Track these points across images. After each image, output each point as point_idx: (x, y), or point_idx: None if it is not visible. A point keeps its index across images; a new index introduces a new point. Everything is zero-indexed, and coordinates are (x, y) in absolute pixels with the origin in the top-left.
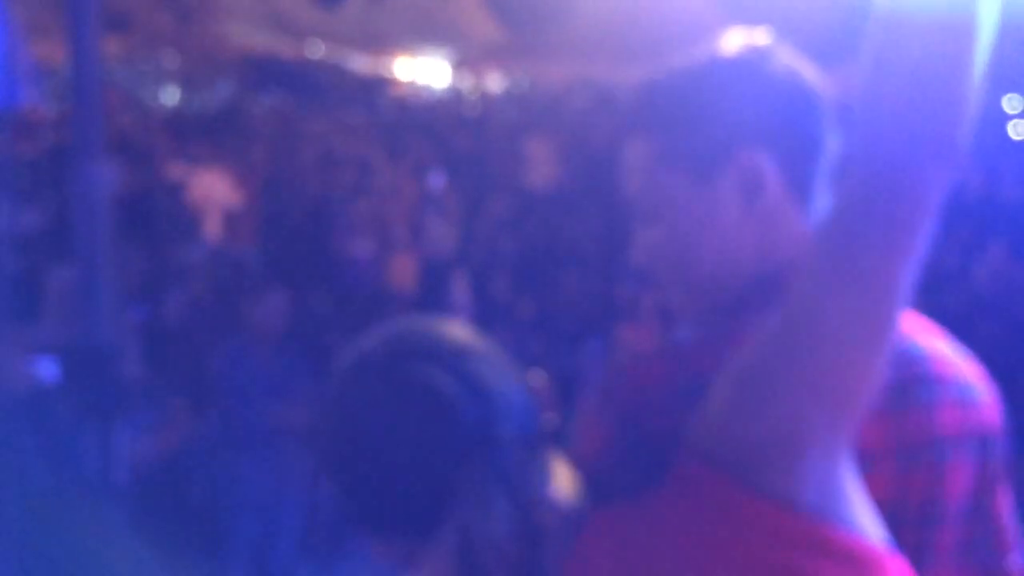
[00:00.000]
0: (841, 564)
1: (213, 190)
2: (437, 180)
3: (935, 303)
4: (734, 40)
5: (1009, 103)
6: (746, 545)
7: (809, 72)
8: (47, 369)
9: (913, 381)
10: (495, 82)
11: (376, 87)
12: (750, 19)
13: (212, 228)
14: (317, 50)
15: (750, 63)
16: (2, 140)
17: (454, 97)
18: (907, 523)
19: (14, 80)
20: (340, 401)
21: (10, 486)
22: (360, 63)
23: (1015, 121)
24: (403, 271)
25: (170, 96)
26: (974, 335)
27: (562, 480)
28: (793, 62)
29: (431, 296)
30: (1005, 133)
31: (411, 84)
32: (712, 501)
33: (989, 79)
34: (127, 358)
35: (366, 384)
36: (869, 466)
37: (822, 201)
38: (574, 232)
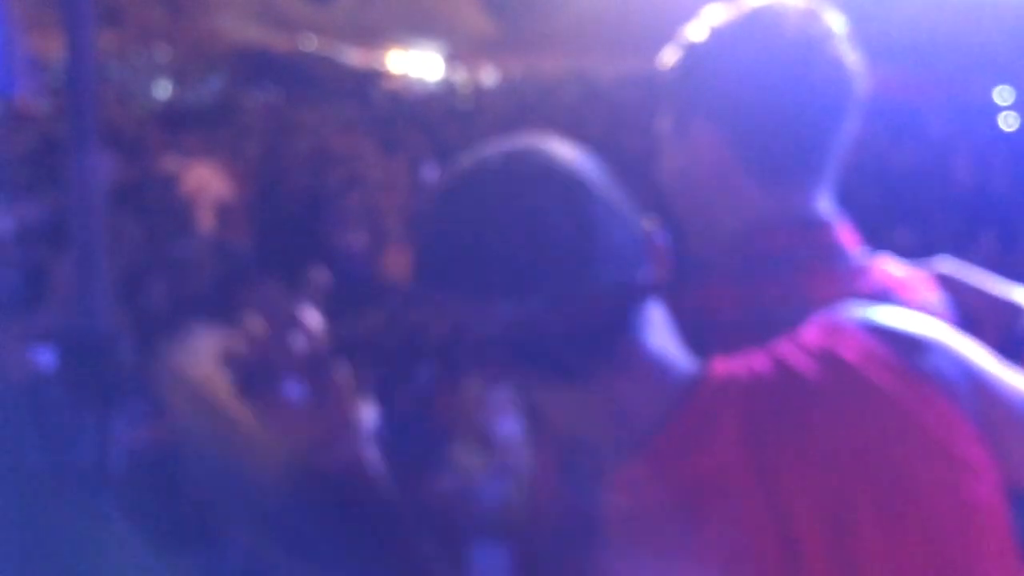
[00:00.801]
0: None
1: (206, 183)
2: (431, 172)
3: None
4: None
5: (1000, 95)
6: (920, 427)
7: (829, 45)
8: (45, 356)
9: None
10: (487, 75)
11: (369, 80)
12: None
13: (205, 220)
14: (309, 43)
15: (740, 32)
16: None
17: (447, 90)
18: None
19: (11, 71)
20: (444, 203)
21: (7, 472)
22: (353, 56)
23: (1006, 113)
24: (397, 263)
25: (162, 90)
26: None
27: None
28: (810, 31)
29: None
30: (996, 125)
31: (404, 77)
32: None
33: (980, 71)
34: (124, 347)
35: (473, 190)
36: None
37: (816, 178)
38: None
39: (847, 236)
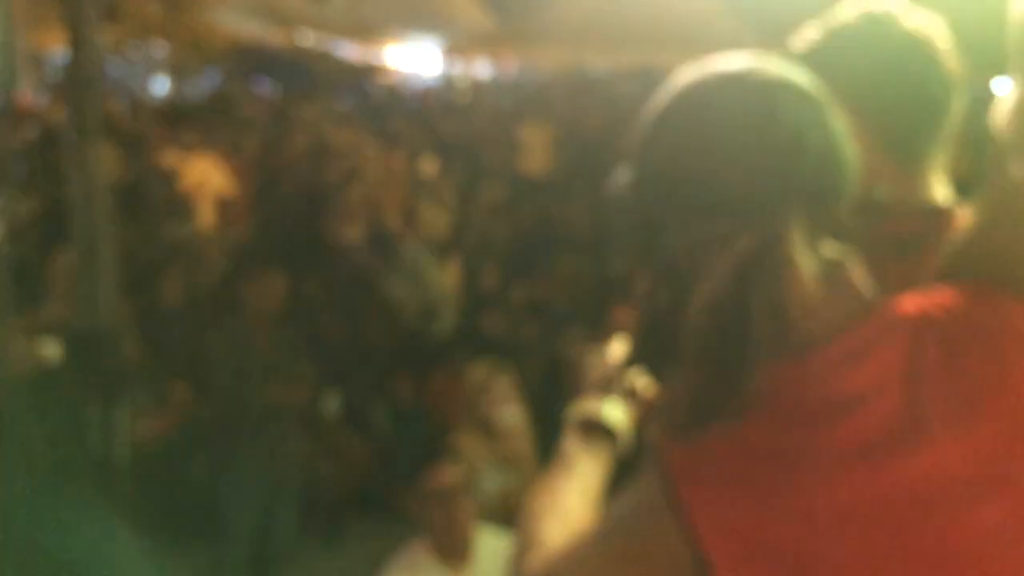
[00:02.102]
0: None
1: (206, 177)
2: (429, 166)
3: None
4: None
5: (997, 86)
6: None
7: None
8: (50, 350)
9: None
10: (485, 69)
11: (366, 74)
12: (737, 5)
13: (205, 215)
14: (307, 39)
15: (861, 31)
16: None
17: (445, 83)
18: None
19: (11, 67)
20: (681, 116)
21: (13, 463)
22: (350, 51)
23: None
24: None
25: (160, 85)
26: None
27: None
28: (918, 33)
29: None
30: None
31: (401, 71)
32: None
33: (978, 61)
34: (127, 340)
35: (712, 90)
36: None
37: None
38: (566, 216)
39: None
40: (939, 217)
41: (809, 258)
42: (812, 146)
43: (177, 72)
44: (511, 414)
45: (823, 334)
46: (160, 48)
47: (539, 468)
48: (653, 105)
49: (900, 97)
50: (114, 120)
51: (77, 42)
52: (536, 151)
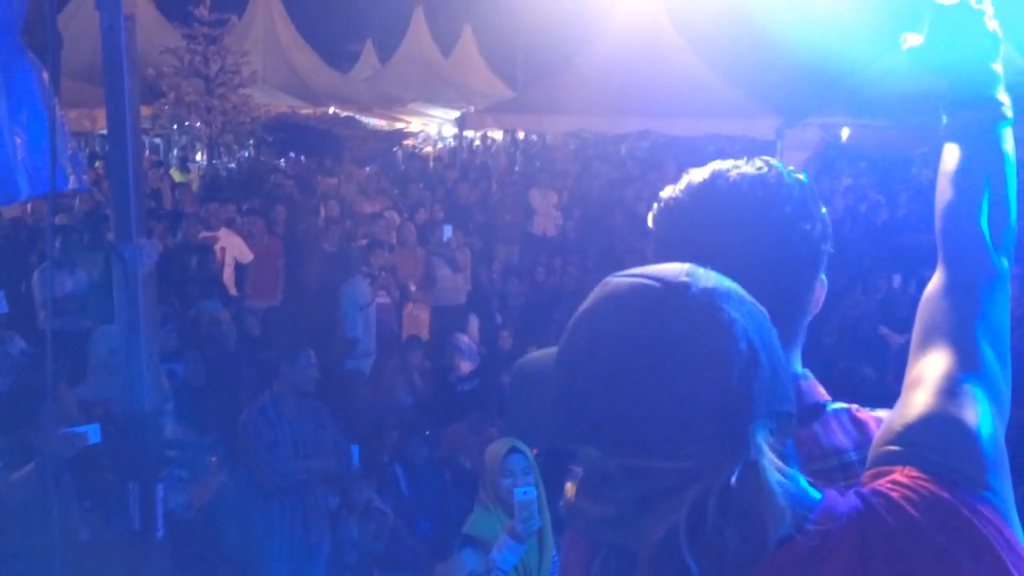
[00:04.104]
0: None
1: (226, 244)
2: (446, 232)
3: None
4: None
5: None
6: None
7: (790, 212)
8: (92, 434)
9: None
10: (499, 136)
11: (390, 139)
12: (736, 78)
13: (228, 283)
14: (335, 111)
15: (705, 195)
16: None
17: (462, 151)
18: None
19: (58, 168)
20: (590, 347)
21: (58, 541)
22: (375, 120)
23: None
24: (416, 319)
25: (198, 158)
26: None
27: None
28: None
29: (443, 341)
30: None
31: (422, 137)
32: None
33: None
34: (165, 421)
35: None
36: None
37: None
38: (576, 274)
39: (816, 388)
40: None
41: (775, 471)
42: (763, 360)
43: (213, 145)
44: (528, 491)
45: (775, 538)
46: (197, 123)
47: (555, 542)
48: (586, 321)
49: (756, 275)
50: (153, 193)
51: (117, 121)
52: (546, 213)
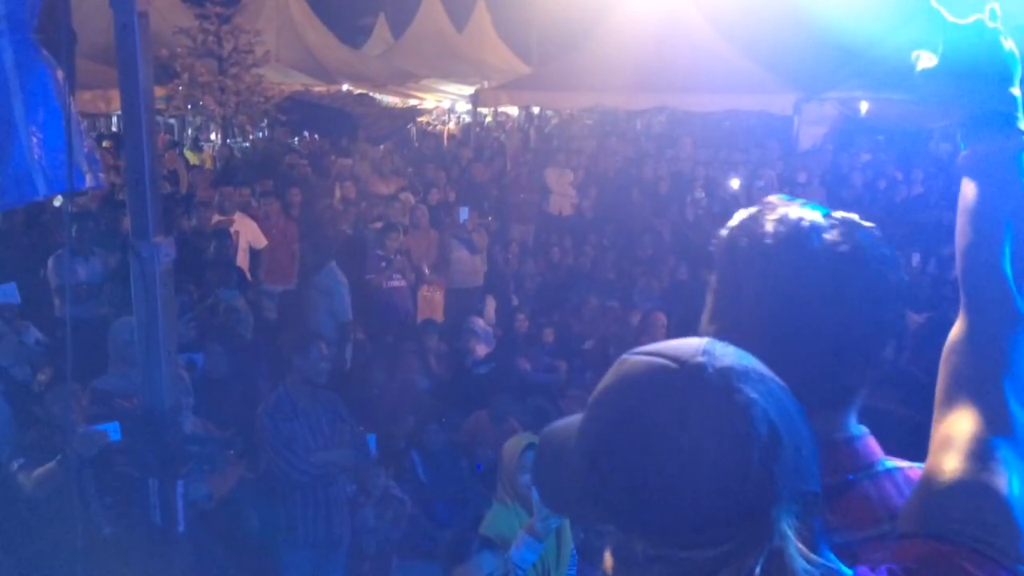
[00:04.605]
0: None
1: (244, 231)
2: (463, 214)
3: (939, 315)
4: None
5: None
6: None
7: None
8: (112, 431)
9: None
10: (514, 112)
11: (404, 117)
12: (750, 53)
13: (243, 268)
14: (349, 88)
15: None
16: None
17: (477, 128)
18: None
19: (76, 166)
20: (620, 436)
21: (80, 539)
22: (389, 98)
23: None
24: (431, 302)
25: (213, 139)
26: None
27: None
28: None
29: (458, 324)
30: None
31: (437, 114)
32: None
33: None
34: (184, 418)
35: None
36: None
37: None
38: (593, 254)
39: (871, 447)
40: (839, 450)
41: (801, 558)
42: (786, 440)
43: (227, 126)
44: None
45: None
46: (212, 103)
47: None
48: (604, 402)
49: (807, 334)
50: (168, 174)
51: (132, 118)
52: (563, 192)
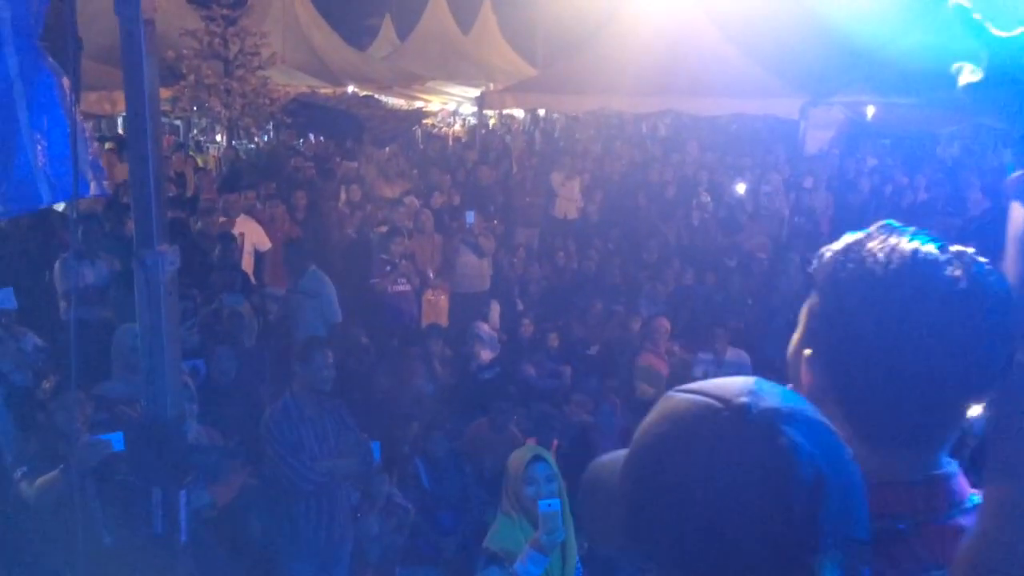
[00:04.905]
0: None
1: (248, 234)
2: (469, 217)
3: None
4: None
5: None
6: None
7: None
8: (115, 442)
9: None
10: (520, 115)
11: (410, 119)
12: (757, 56)
13: (247, 271)
14: (354, 89)
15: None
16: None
17: (483, 131)
18: None
19: (80, 174)
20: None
21: (81, 548)
22: (395, 100)
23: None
24: (435, 306)
25: (218, 141)
26: None
27: None
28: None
29: (463, 329)
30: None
31: (442, 116)
32: None
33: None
34: (188, 428)
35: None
36: None
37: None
38: (598, 258)
39: (963, 483)
40: (927, 489)
41: None
42: (832, 486)
43: (233, 128)
44: (553, 503)
45: None
46: (217, 105)
47: (578, 552)
48: (648, 439)
49: (903, 380)
50: (174, 176)
51: (138, 127)
52: (568, 196)
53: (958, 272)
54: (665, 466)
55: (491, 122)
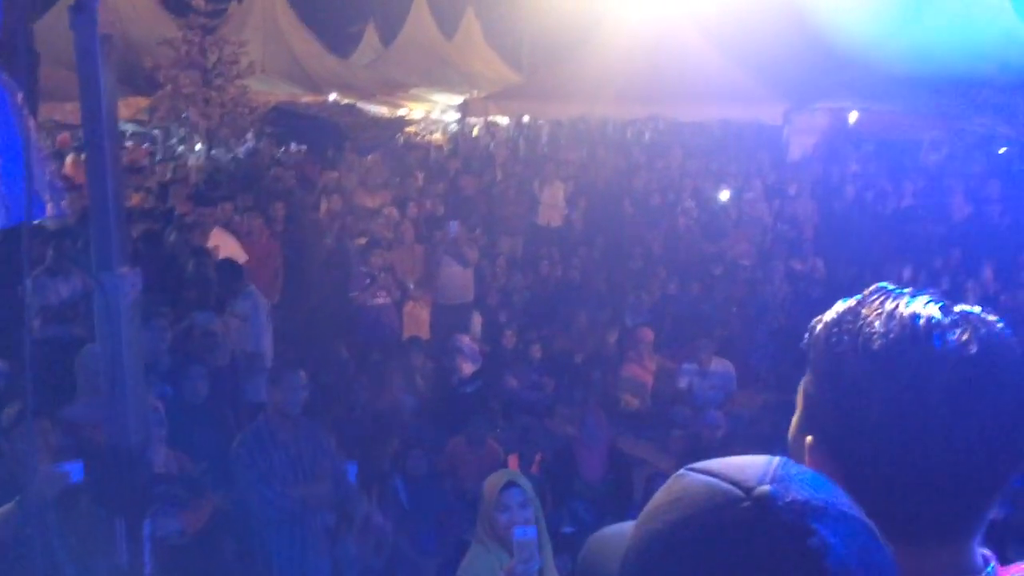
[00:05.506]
0: None
1: (223, 247)
2: (452, 228)
3: None
4: None
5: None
6: None
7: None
8: (75, 472)
9: None
10: (503, 121)
11: (392, 127)
12: (740, 62)
13: None
14: (336, 97)
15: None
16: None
17: (466, 138)
18: None
19: (36, 195)
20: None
21: None
22: (376, 108)
23: (1003, 148)
24: (416, 318)
25: (197, 151)
26: None
27: None
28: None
29: (445, 341)
30: (991, 156)
31: (425, 124)
32: None
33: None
34: (151, 456)
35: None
36: None
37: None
38: (582, 267)
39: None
40: None
41: None
42: None
43: (212, 137)
44: (526, 530)
45: None
46: (196, 115)
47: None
48: (655, 524)
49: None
50: (152, 187)
51: (95, 145)
52: (552, 203)
53: (966, 336)
54: (673, 559)
55: (475, 131)
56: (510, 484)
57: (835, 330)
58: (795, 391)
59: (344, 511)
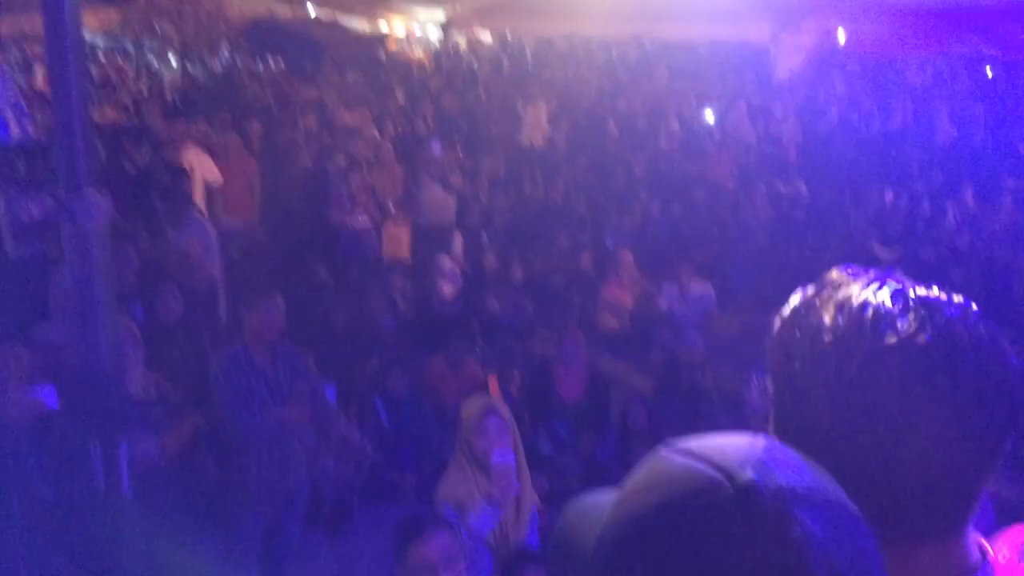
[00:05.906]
0: None
1: (195, 163)
2: (435, 148)
3: (910, 252)
4: None
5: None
6: None
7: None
8: (48, 394)
9: None
10: (487, 38)
11: (372, 44)
12: None
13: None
14: (314, 12)
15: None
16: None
17: (447, 55)
18: None
19: (4, 119)
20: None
21: (16, 503)
22: (357, 22)
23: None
24: (396, 239)
25: (171, 65)
26: (947, 280)
27: None
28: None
29: (426, 263)
30: (977, 76)
31: (407, 41)
32: None
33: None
34: (125, 377)
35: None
36: None
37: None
38: (564, 189)
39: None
40: None
41: None
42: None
43: (187, 52)
44: (504, 456)
45: None
46: (171, 28)
47: (533, 503)
48: (631, 507)
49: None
50: (126, 103)
51: (59, 60)
52: (535, 124)
53: (916, 325)
54: (650, 546)
55: (462, 47)
56: (490, 411)
57: (788, 327)
58: (775, 314)
59: (322, 431)
